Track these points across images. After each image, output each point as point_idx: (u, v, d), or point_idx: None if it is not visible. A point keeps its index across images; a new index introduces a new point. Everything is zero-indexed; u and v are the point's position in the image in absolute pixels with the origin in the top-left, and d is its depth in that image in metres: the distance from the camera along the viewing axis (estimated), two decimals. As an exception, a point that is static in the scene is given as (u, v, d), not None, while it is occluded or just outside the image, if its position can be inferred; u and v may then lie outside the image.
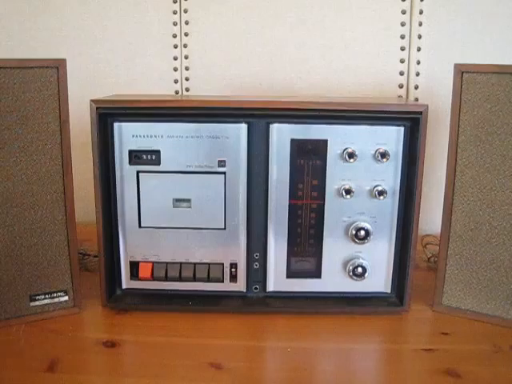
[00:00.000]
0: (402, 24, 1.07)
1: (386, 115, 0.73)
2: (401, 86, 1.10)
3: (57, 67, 0.70)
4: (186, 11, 1.12)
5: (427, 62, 1.09)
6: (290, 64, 1.11)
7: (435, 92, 1.08)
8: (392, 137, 0.74)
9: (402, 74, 1.09)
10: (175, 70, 1.15)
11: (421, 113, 0.73)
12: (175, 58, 1.14)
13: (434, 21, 1.07)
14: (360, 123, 0.74)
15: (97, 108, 0.73)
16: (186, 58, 1.14)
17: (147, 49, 1.13)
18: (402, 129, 0.74)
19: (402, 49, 1.08)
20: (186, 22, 1.12)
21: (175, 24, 1.12)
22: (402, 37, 1.08)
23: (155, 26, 1.12)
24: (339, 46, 1.09)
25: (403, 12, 1.07)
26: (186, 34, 1.13)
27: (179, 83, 1.15)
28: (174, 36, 1.13)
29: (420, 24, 1.07)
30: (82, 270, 0.85)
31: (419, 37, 1.08)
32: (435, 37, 1.08)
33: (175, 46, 1.13)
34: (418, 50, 1.08)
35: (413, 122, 0.74)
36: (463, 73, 0.72)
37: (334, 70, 1.10)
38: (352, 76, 1.10)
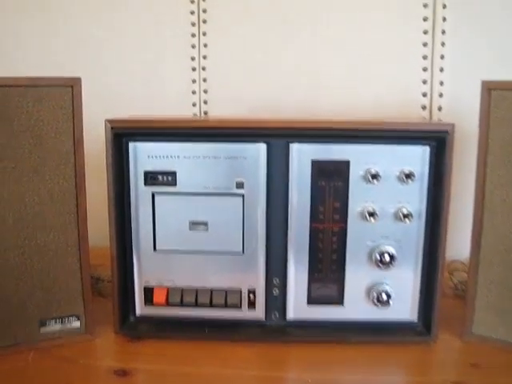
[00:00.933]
0: (424, 44, 1.06)
1: (410, 134, 0.71)
2: (424, 108, 1.08)
3: (71, 86, 0.69)
4: (204, 34, 1.12)
5: (450, 82, 1.07)
6: (310, 86, 1.10)
7: (459, 114, 1.06)
8: (417, 157, 0.72)
9: (424, 95, 1.07)
10: (193, 92, 1.14)
11: (447, 131, 0.70)
12: (194, 81, 1.13)
13: (457, 41, 1.05)
14: (383, 143, 0.72)
15: (112, 128, 0.72)
16: (205, 80, 1.13)
17: (165, 71, 1.13)
18: (428, 148, 0.72)
19: (425, 69, 1.07)
20: (205, 45, 1.12)
21: (194, 47, 1.12)
22: (425, 57, 1.06)
23: (173, 48, 1.12)
24: (360, 67, 1.08)
25: (425, 32, 1.05)
26: (205, 57, 1.12)
27: (197, 106, 1.14)
28: (193, 59, 1.13)
29: (442, 44, 1.05)
30: (95, 295, 0.83)
31: (442, 57, 1.06)
32: (458, 57, 1.06)
33: (193, 69, 1.13)
34: (441, 70, 1.06)
35: (438, 142, 0.72)
36: (491, 90, 0.70)
37: (355, 92, 1.08)
38: (373, 97, 1.08)
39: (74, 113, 0.69)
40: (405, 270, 0.75)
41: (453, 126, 0.71)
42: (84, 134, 0.72)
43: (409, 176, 0.72)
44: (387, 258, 0.74)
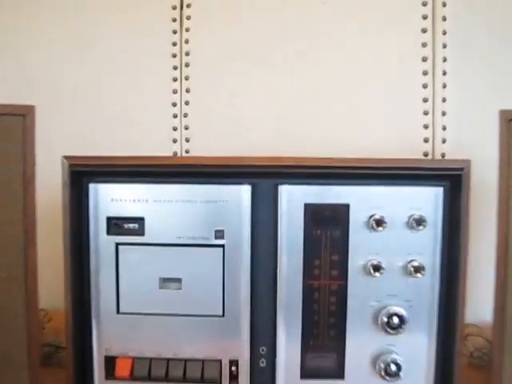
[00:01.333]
0: (424, 86, 1.01)
1: (420, 172, 0.66)
2: (426, 154, 1.02)
3: (23, 115, 0.62)
4: (187, 78, 1.07)
5: (454, 127, 1.01)
6: (305, 133, 1.04)
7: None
8: (429, 200, 0.67)
9: (426, 140, 1.01)
10: (174, 141, 1.08)
11: (463, 169, 0.65)
12: (175, 129, 1.08)
13: (459, 82, 1.00)
14: (389, 184, 0.68)
15: (70, 165, 0.66)
16: (187, 128, 1.07)
17: (144, 118, 1.07)
18: (441, 189, 0.67)
19: (426, 113, 1.01)
20: (187, 90, 1.07)
21: (175, 92, 1.07)
22: (425, 100, 1.01)
23: (153, 93, 1.07)
24: (357, 112, 1.03)
25: (425, 73, 1.00)
26: (187, 103, 1.07)
27: (179, 155, 1.08)
28: (174, 105, 1.07)
29: (444, 86, 1.00)
30: (53, 366, 0.76)
31: (443, 100, 1.01)
32: (461, 100, 1.01)
33: (175, 116, 1.08)
34: (443, 114, 1.01)
35: (452, 182, 0.66)
36: (511, 120, 0.64)
37: (352, 139, 1.03)
38: (372, 144, 1.03)
39: (23, 146, 0.62)
40: (417, 335, 0.69)
41: (469, 162, 0.65)
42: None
43: (420, 222, 0.67)
44: (396, 320, 0.68)
